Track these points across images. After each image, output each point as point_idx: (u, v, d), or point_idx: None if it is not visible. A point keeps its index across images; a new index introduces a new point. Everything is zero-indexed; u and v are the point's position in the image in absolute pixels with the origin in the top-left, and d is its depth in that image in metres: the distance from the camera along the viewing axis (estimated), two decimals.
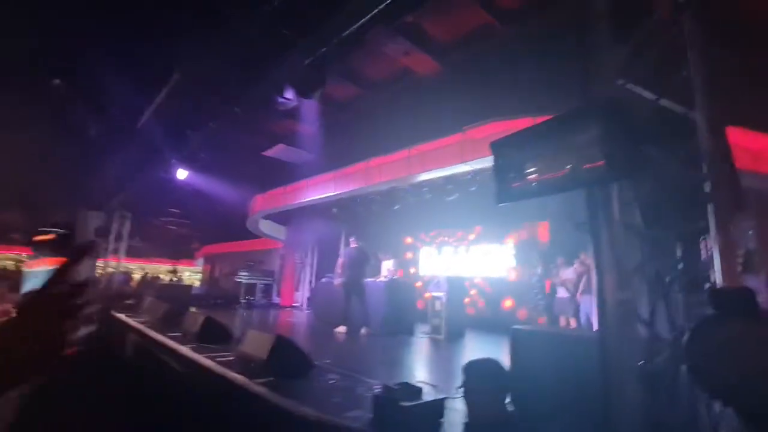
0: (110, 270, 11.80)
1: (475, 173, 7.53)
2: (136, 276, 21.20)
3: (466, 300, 9.42)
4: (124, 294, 10.25)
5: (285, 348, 3.58)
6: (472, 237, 10.14)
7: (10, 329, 0.52)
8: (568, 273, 7.27)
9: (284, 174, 9.64)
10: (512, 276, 9.15)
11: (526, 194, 1.93)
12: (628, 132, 1.45)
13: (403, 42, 4.96)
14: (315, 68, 4.07)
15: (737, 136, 4.38)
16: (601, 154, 1.47)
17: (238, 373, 3.51)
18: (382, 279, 8.01)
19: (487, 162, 6.27)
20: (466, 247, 10.22)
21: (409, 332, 7.30)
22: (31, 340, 0.52)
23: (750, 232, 5.50)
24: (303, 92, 4.47)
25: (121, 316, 7.42)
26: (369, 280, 8.08)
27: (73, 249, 0.63)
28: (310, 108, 6.74)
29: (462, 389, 1.75)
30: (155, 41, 3.74)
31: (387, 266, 8.41)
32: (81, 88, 4.58)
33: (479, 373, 1.75)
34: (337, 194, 8.76)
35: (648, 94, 1.69)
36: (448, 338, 6.71)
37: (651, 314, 1.52)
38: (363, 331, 6.98)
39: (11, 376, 0.50)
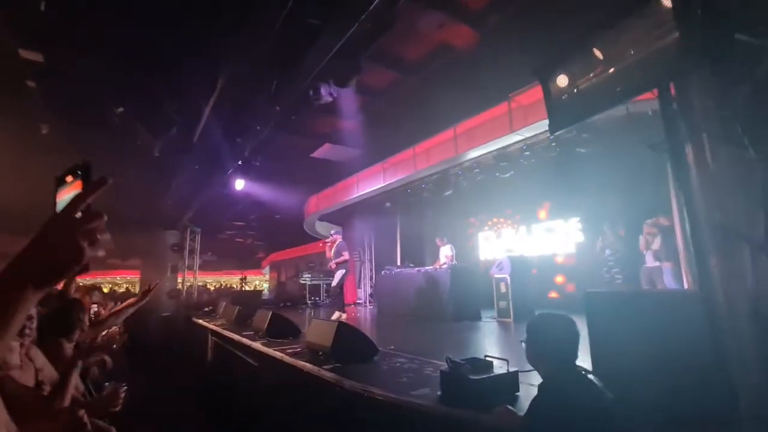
0: (188, 284, 12.83)
1: (528, 146, 7.10)
2: (212, 288, 22.98)
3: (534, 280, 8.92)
4: (203, 303, 11.12)
5: (348, 334, 3.58)
6: (536, 215, 9.57)
7: (33, 241, 0.62)
8: (658, 242, 6.48)
9: (334, 173, 9.82)
10: (579, 251, 8.51)
11: (583, 113, 1.69)
12: (712, 14, 1.17)
13: (435, 14, 4.76)
14: (347, 54, 4.03)
15: None
16: (675, 32, 1.20)
17: (307, 361, 3.57)
18: (441, 266, 7.84)
19: (539, 128, 5.87)
20: (527, 227, 9.69)
21: (476, 318, 7.06)
22: (51, 251, 0.61)
23: None
24: (339, 81, 4.46)
25: (201, 321, 8.04)
26: (428, 268, 7.95)
27: (88, 182, 0.72)
28: (349, 102, 6.75)
29: (524, 344, 1.60)
30: (197, 52, 3.94)
31: (445, 253, 8.22)
32: (140, 111, 4.97)
33: (544, 328, 1.59)
34: (387, 185, 8.73)
35: None
36: (516, 320, 6.39)
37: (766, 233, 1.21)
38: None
39: (36, 279, 0.60)
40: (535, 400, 1.54)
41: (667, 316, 2.11)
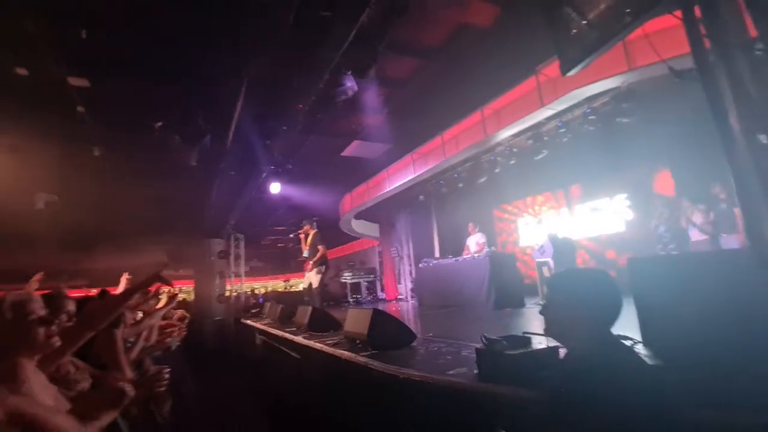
0: (236, 291, 13.39)
1: (564, 122, 6.76)
2: (261, 292, 23.87)
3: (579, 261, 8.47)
4: (250, 306, 11.60)
5: (384, 321, 3.57)
6: (578, 195, 9.10)
7: None
8: (699, 216, 5.95)
9: (365, 170, 9.90)
10: (629, 229, 7.99)
11: (595, 45, 1.55)
12: None
13: None
14: (363, 44, 4.02)
15: None
16: None
17: (345, 350, 3.61)
18: (472, 255, 7.61)
19: (572, 99, 5.57)
20: (569, 208, 9.23)
21: (520, 305, 6.82)
22: None
23: None
24: (358, 71, 4.46)
25: (249, 321, 8.39)
26: (467, 257, 7.75)
27: None
28: (373, 96, 6.77)
29: (543, 314, 1.31)
30: (221, 55, 4.10)
31: (476, 240, 7.97)
32: (176, 123, 5.25)
33: (573, 286, 1.25)
34: (418, 176, 8.64)
35: None
36: None
37: None
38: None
39: None
40: (560, 372, 1.33)
41: (716, 277, 1.92)
